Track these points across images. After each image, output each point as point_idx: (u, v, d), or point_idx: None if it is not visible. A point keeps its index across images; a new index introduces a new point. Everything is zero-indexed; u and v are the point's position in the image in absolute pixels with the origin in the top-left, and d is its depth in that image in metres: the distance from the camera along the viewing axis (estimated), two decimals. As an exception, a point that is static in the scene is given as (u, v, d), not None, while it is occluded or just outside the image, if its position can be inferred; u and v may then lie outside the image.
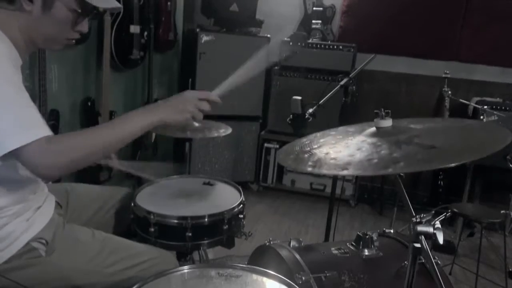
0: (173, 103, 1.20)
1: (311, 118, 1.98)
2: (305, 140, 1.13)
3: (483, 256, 2.60)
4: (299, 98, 2.00)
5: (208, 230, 1.44)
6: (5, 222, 1.11)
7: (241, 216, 1.55)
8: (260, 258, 1.37)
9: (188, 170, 2.25)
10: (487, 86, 3.44)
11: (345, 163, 0.89)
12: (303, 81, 3.50)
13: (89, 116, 2.54)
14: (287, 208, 3.53)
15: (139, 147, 2.99)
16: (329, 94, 2.00)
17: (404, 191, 1.00)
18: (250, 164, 3.71)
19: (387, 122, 1.02)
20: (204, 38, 3.31)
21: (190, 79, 3.37)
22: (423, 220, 0.90)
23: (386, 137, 0.97)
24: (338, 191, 2.32)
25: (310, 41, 3.54)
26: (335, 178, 2.26)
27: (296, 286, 1.02)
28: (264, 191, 3.78)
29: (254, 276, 1.07)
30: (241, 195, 1.59)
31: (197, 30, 3.32)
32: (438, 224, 0.90)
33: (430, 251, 0.95)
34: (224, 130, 1.82)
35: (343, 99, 2.07)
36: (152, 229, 1.40)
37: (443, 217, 1.86)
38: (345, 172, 0.86)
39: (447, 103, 3.14)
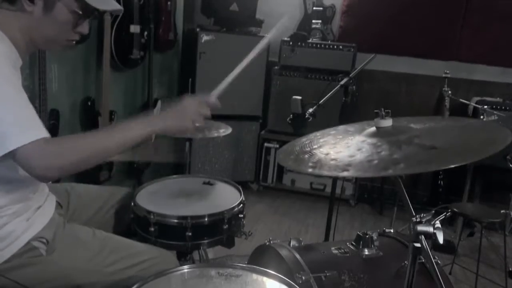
0: (174, 112, 1.21)
1: (311, 118, 1.98)
2: (305, 139, 1.13)
3: (483, 256, 2.60)
4: (299, 98, 2.00)
5: (208, 229, 1.44)
6: (5, 221, 1.11)
7: (241, 215, 1.55)
8: (260, 258, 1.37)
9: (188, 170, 2.25)
10: (487, 86, 3.44)
11: (345, 164, 0.89)
12: (303, 81, 3.50)
13: (89, 115, 2.54)
14: (287, 207, 3.53)
15: (138, 146, 2.99)
16: (329, 94, 2.00)
17: (404, 191, 1.00)
18: (250, 163, 3.71)
19: (387, 122, 1.02)
20: (204, 38, 3.31)
21: (190, 79, 3.37)
22: (423, 220, 0.90)
23: (386, 137, 0.97)
24: (338, 190, 2.32)
25: (310, 41, 3.54)
26: (335, 178, 2.26)
27: (296, 285, 1.02)
28: (264, 191, 3.78)
29: (254, 276, 1.07)
30: (241, 195, 1.59)
31: (197, 30, 3.32)
32: (438, 224, 0.90)
33: (430, 250, 0.95)
34: (224, 130, 1.82)
35: (343, 99, 2.07)
36: (152, 229, 1.40)
37: (443, 216, 1.86)
38: (345, 174, 0.86)
39: (447, 103, 3.14)
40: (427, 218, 0.91)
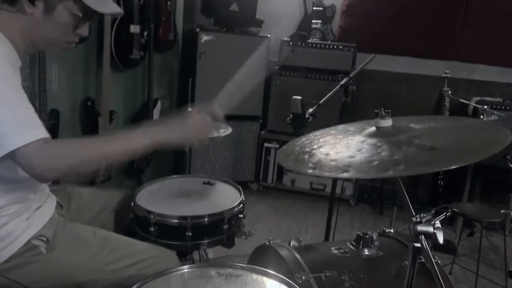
0: (179, 125, 1.21)
1: (311, 118, 1.98)
2: (305, 139, 1.13)
3: (483, 256, 2.59)
4: (299, 98, 2.00)
5: (208, 229, 1.44)
6: (5, 221, 1.11)
7: (241, 215, 1.55)
8: (260, 258, 1.37)
9: (188, 170, 2.25)
10: (487, 86, 3.44)
11: (345, 165, 0.89)
12: (303, 81, 3.50)
13: (89, 116, 2.54)
14: (287, 207, 3.53)
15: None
16: (329, 94, 2.00)
17: (404, 191, 1.00)
18: (250, 164, 3.71)
19: (387, 122, 1.02)
20: (204, 38, 3.31)
21: (190, 79, 3.35)
22: (423, 220, 0.90)
23: (386, 137, 0.97)
24: (338, 190, 2.32)
25: (310, 41, 3.54)
26: (335, 179, 2.26)
27: (296, 285, 1.02)
28: (264, 191, 3.78)
29: (254, 276, 1.07)
30: (241, 195, 1.59)
31: (197, 30, 3.32)
32: (438, 224, 0.90)
33: (430, 250, 0.95)
34: (224, 130, 1.82)
35: (343, 99, 2.07)
36: (152, 229, 1.40)
37: (443, 216, 1.85)
38: (345, 175, 0.86)
39: (447, 103, 3.14)
40: (427, 218, 0.91)
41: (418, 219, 0.90)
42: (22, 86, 1.06)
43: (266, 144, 3.67)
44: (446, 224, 3.14)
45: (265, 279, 1.06)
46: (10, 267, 1.12)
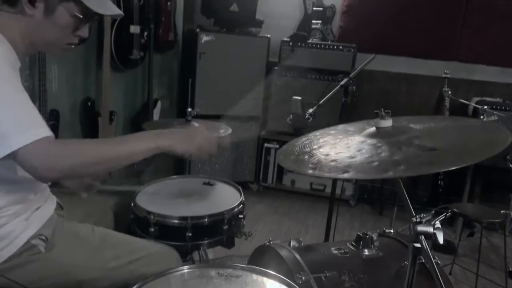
0: (184, 133, 1.23)
1: (311, 118, 1.98)
2: (305, 139, 1.12)
3: (483, 256, 2.59)
4: (299, 98, 2.00)
5: (208, 230, 1.44)
6: (5, 222, 1.11)
7: (241, 216, 1.55)
8: (260, 258, 1.37)
9: (188, 170, 2.25)
10: (487, 86, 3.44)
11: (345, 166, 0.89)
12: (303, 81, 3.50)
13: (89, 116, 2.54)
14: (287, 208, 3.53)
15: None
16: (329, 94, 2.00)
17: (404, 191, 1.00)
18: (250, 164, 3.71)
19: (387, 122, 1.02)
20: (204, 38, 3.31)
21: (190, 79, 3.37)
22: (423, 220, 0.90)
23: (386, 138, 0.97)
24: (338, 191, 2.32)
25: (310, 41, 3.54)
26: (335, 179, 2.26)
27: (296, 286, 1.02)
28: (264, 191, 3.78)
29: (254, 276, 1.07)
30: (241, 195, 1.59)
31: (197, 30, 3.32)
32: (438, 224, 0.90)
33: (430, 251, 0.95)
34: (224, 130, 1.82)
35: (343, 99, 2.07)
36: (152, 229, 1.40)
37: (443, 217, 1.86)
38: (345, 175, 0.86)
39: (447, 103, 3.14)
40: (427, 218, 0.91)
41: (418, 220, 0.90)
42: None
43: (266, 145, 3.67)
44: (446, 224, 3.14)
45: (265, 279, 1.06)
46: (9, 267, 1.12)
